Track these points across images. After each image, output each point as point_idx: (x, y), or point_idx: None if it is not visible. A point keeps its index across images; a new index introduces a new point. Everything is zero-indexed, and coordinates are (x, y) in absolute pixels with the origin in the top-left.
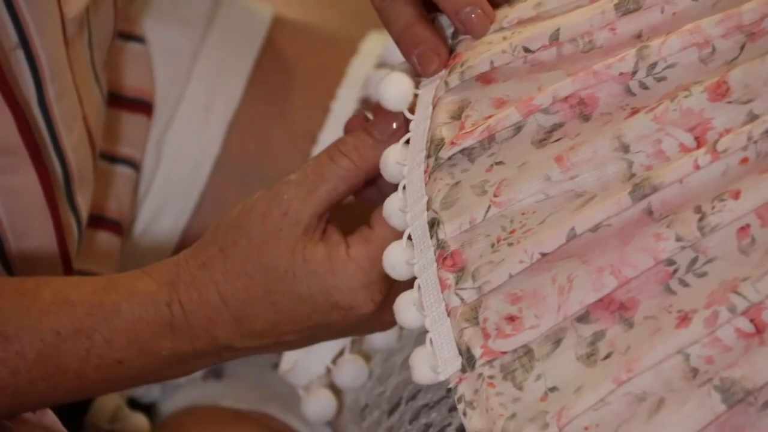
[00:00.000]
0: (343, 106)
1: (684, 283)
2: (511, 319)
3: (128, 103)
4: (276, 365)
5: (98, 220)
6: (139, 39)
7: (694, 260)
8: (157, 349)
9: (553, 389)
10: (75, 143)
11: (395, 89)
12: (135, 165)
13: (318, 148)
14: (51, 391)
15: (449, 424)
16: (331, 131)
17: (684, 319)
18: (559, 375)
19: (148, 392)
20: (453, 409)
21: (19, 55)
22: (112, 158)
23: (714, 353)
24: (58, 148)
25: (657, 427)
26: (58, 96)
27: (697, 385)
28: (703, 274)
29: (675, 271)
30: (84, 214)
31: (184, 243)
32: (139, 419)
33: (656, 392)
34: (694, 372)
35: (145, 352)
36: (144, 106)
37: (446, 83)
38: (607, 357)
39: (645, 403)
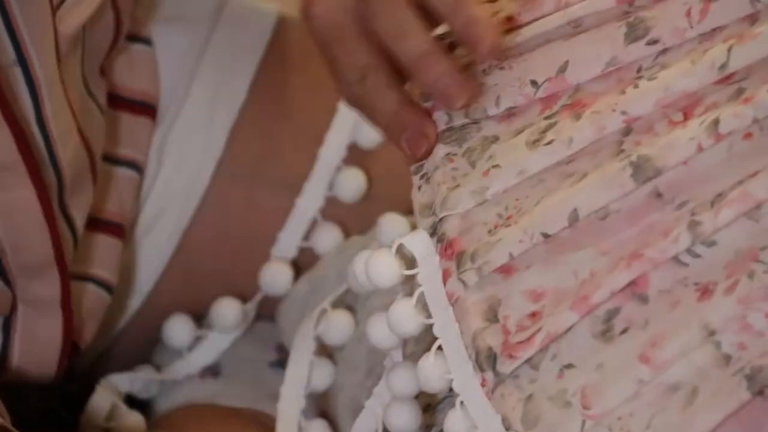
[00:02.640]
0: None
1: (694, 254)
2: (533, 315)
3: (132, 105)
4: (273, 364)
5: (98, 223)
6: (146, 41)
7: None
8: None
9: (569, 366)
10: (70, 157)
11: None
12: (138, 167)
13: (324, 150)
14: None
15: None
16: (338, 132)
17: (705, 291)
18: (574, 352)
19: (145, 389)
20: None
21: (17, 73)
22: (115, 161)
23: (746, 339)
24: (55, 164)
25: (692, 417)
26: (54, 113)
27: (731, 373)
28: (712, 244)
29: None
30: (79, 223)
31: (184, 246)
32: (136, 417)
33: (690, 382)
34: (727, 359)
35: None
36: (148, 109)
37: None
38: (623, 332)
39: (679, 393)
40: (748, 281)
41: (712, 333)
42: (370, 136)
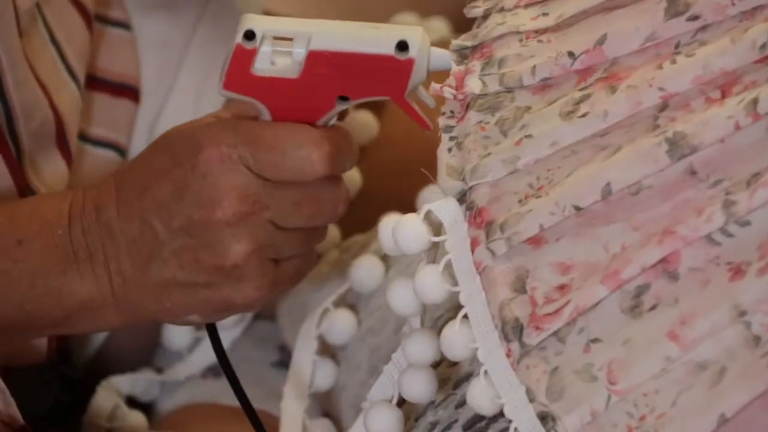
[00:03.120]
0: None
1: (727, 233)
2: (561, 288)
3: (111, 87)
4: (274, 364)
5: None
6: (125, 25)
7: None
8: (54, 223)
9: (595, 340)
10: (34, 129)
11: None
12: (119, 149)
13: None
14: None
15: (455, 421)
16: None
17: (737, 272)
18: (601, 326)
19: (146, 391)
20: (459, 406)
21: None
22: (95, 142)
23: None
24: (13, 133)
25: (719, 397)
26: (17, 84)
27: (760, 355)
28: (746, 224)
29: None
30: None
31: None
32: (138, 417)
33: (718, 361)
34: (756, 340)
35: (44, 228)
36: (129, 91)
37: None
38: (653, 308)
39: (706, 372)
40: None
41: (742, 313)
42: (362, 134)
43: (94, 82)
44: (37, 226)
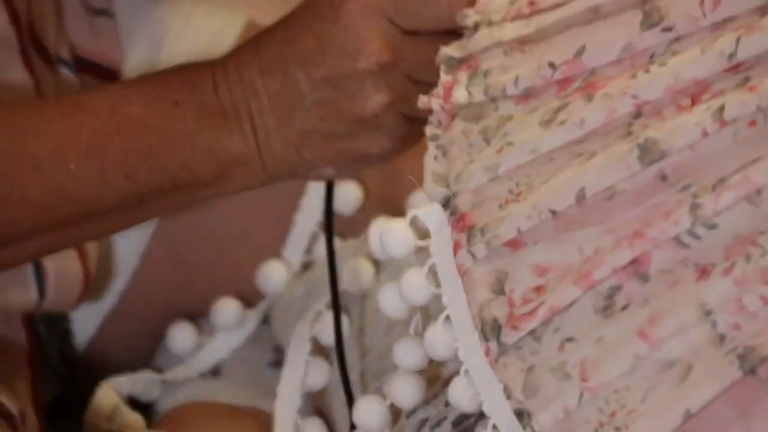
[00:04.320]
0: None
1: (695, 236)
2: (538, 289)
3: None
4: (271, 364)
5: None
6: (109, 14)
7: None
8: (202, 86)
9: (570, 339)
10: None
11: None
12: None
13: None
14: (125, 153)
15: (445, 418)
16: None
17: (703, 272)
18: (575, 326)
19: (146, 391)
20: (449, 403)
21: None
22: None
23: (740, 320)
24: None
25: (685, 393)
26: None
27: (724, 353)
28: (713, 226)
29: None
30: None
31: (166, 231)
32: (137, 418)
33: (684, 359)
34: (722, 338)
35: (195, 90)
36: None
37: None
38: (624, 308)
39: (674, 369)
40: (744, 264)
41: (708, 313)
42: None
43: (79, 63)
44: (188, 89)
